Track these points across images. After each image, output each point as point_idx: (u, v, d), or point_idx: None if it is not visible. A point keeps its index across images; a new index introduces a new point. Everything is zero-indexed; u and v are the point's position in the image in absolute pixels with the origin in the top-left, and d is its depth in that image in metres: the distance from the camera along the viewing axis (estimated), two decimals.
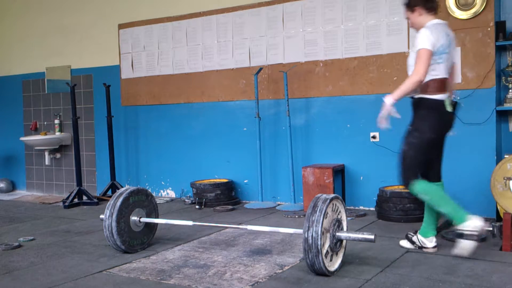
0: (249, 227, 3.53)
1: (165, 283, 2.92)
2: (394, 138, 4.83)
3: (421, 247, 3.43)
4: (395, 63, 4.79)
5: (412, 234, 3.52)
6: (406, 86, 3.18)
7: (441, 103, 3.24)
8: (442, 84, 3.25)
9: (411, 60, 3.33)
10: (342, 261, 3.08)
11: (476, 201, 4.46)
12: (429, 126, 3.25)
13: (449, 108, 3.29)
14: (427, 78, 3.20)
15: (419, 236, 3.44)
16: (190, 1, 5.93)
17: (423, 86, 3.21)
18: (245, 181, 5.67)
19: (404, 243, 3.53)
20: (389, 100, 3.21)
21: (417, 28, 3.35)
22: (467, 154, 4.51)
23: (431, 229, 3.43)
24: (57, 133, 6.87)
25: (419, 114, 3.29)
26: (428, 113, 3.26)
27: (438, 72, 3.23)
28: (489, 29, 4.38)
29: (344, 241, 3.12)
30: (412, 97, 3.34)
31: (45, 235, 4.29)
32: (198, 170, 5.91)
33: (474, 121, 4.47)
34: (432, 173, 3.46)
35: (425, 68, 3.15)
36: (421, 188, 3.26)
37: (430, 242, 3.42)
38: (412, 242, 3.48)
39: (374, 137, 4.93)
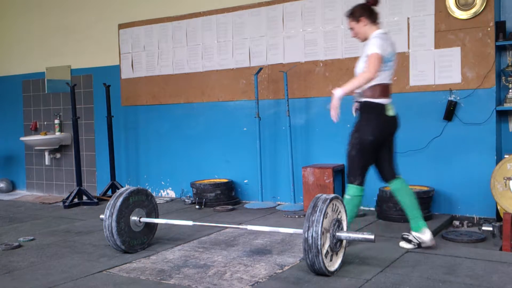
0: (249, 227, 3.54)
1: (165, 283, 2.92)
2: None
3: (419, 244, 3.44)
4: None
5: (407, 234, 3.53)
6: (357, 81, 3.31)
7: (383, 106, 3.40)
8: (385, 89, 3.43)
9: (359, 68, 3.46)
10: (342, 261, 3.08)
11: (476, 201, 4.46)
12: (370, 128, 3.42)
13: (390, 112, 3.45)
14: (373, 83, 3.35)
15: (414, 233, 3.46)
16: (190, 1, 5.93)
17: (368, 90, 3.38)
18: (245, 181, 5.67)
19: (403, 244, 3.53)
20: (338, 92, 3.31)
21: (361, 38, 3.53)
22: (467, 154, 4.51)
23: (419, 219, 3.46)
24: (57, 133, 6.88)
25: (362, 117, 3.46)
26: (371, 116, 3.41)
27: (383, 78, 3.38)
28: (489, 29, 4.38)
29: (344, 241, 3.12)
30: (357, 101, 3.48)
31: (45, 235, 4.29)
32: (198, 170, 5.91)
33: (474, 121, 4.47)
34: (386, 172, 3.58)
35: (376, 68, 3.28)
36: (352, 192, 3.46)
37: (424, 234, 3.43)
38: (410, 241, 3.48)
39: None
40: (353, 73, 4.95)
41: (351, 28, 3.55)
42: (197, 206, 5.36)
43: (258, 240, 3.81)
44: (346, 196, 3.48)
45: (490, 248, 3.62)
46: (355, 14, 3.51)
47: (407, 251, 3.42)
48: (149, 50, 6.23)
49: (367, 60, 3.32)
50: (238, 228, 3.74)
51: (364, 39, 3.51)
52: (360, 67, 3.44)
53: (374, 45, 3.32)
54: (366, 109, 3.43)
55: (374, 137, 3.41)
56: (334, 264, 3.01)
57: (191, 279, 2.97)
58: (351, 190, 3.47)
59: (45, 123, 7.14)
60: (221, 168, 5.78)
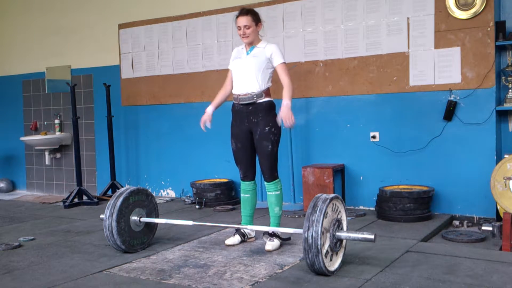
0: (249, 227, 3.55)
1: (165, 283, 2.92)
2: (394, 138, 4.85)
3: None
4: (395, 63, 4.80)
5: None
6: (292, 91, 3.62)
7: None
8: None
9: (250, 69, 3.60)
10: (342, 261, 3.08)
11: (476, 201, 4.47)
12: (277, 124, 3.64)
13: None
14: (268, 85, 3.66)
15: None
16: (190, 1, 5.94)
17: (266, 91, 3.63)
18: None
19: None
20: (290, 104, 3.55)
21: (249, 41, 3.65)
22: (467, 154, 4.52)
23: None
24: (57, 133, 6.88)
25: (270, 114, 3.65)
26: (274, 112, 3.67)
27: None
28: (489, 29, 4.38)
29: (344, 241, 3.12)
30: (254, 102, 3.62)
31: (45, 235, 4.29)
32: (198, 170, 5.91)
33: (474, 121, 4.47)
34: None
35: None
36: (280, 185, 3.71)
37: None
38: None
39: (374, 137, 4.93)
40: (353, 72, 4.99)
41: (248, 27, 3.62)
42: (197, 206, 5.37)
43: (258, 240, 3.81)
44: (277, 192, 3.66)
45: (490, 248, 3.62)
46: (258, 17, 3.69)
47: (407, 250, 3.42)
48: (149, 50, 6.23)
49: (283, 70, 3.62)
50: (238, 228, 3.74)
51: (254, 42, 3.67)
52: (254, 68, 3.59)
53: (281, 53, 3.64)
54: (270, 107, 3.66)
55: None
56: (334, 264, 3.01)
57: (191, 279, 2.97)
58: (279, 184, 3.68)
59: (45, 123, 7.14)
60: (221, 168, 5.78)
